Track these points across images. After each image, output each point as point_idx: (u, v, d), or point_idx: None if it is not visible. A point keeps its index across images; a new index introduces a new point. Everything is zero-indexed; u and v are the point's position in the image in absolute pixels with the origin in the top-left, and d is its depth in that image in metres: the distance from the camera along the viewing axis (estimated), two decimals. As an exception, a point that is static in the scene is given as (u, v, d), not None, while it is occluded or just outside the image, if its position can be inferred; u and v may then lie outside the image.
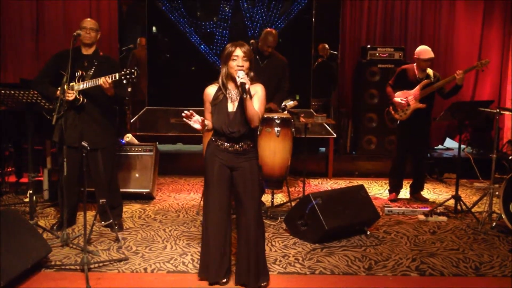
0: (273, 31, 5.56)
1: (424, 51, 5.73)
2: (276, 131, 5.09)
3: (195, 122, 3.42)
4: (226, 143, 3.53)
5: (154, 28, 8.21)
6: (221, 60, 3.55)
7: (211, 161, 3.58)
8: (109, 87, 4.31)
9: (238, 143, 3.52)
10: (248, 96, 3.35)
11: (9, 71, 7.38)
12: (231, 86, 3.52)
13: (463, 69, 5.71)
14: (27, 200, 5.01)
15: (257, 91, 3.50)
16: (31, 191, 4.51)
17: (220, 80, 3.54)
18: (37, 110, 4.51)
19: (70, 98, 4.39)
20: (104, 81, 4.27)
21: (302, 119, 5.48)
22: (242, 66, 3.42)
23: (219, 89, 3.55)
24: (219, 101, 3.52)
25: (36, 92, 4.38)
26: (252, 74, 3.51)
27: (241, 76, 3.36)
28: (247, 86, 3.32)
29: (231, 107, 3.50)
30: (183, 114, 3.42)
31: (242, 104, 3.42)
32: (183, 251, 4.31)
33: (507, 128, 7.89)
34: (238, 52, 3.43)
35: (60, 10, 7.41)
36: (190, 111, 3.42)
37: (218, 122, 3.52)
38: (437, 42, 7.73)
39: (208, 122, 3.56)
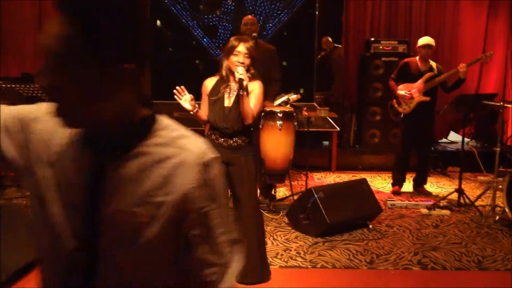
0: (246, 17, 5.55)
1: (422, 38, 5.75)
2: (278, 124, 5.07)
3: (185, 101, 3.42)
4: (220, 138, 3.50)
5: (158, 22, 8.19)
6: (223, 52, 3.53)
7: None
8: None
9: (232, 138, 3.50)
10: (245, 93, 3.33)
11: (12, 65, 7.37)
12: (231, 79, 3.50)
13: (467, 62, 5.67)
14: (29, 194, 5.01)
15: (255, 89, 3.48)
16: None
17: (222, 72, 3.52)
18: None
19: None
20: None
21: (304, 113, 5.46)
22: (243, 63, 3.40)
23: (218, 82, 3.53)
24: (217, 94, 3.50)
25: (37, 86, 4.39)
26: (252, 71, 3.49)
27: (240, 72, 3.34)
28: (244, 83, 3.31)
29: (228, 102, 3.49)
30: (174, 91, 3.42)
31: (238, 100, 3.41)
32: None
33: (512, 122, 7.85)
34: (241, 48, 3.41)
35: (63, 4, 7.40)
36: (182, 86, 3.42)
37: (213, 116, 3.50)
38: (442, 35, 7.68)
39: (201, 112, 3.55)
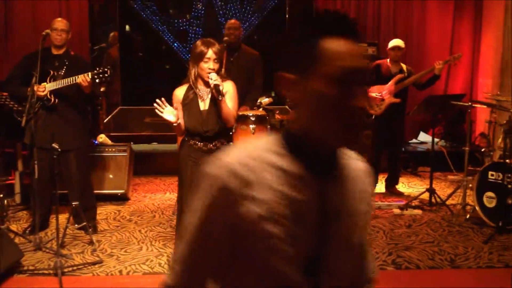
0: (230, 21, 5.53)
1: (392, 41, 5.84)
2: (251, 128, 5.06)
3: (168, 112, 3.38)
4: (199, 143, 3.49)
5: (127, 27, 8.10)
6: (191, 58, 3.50)
7: (185, 162, 3.54)
8: (88, 85, 4.25)
9: (211, 142, 3.49)
10: (224, 97, 3.32)
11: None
12: (200, 85, 3.48)
13: (434, 62, 5.76)
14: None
15: (228, 90, 3.47)
16: (1, 195, 4.42)
17: (190, 80, 3.49)
18: (7, 111, 4.42)
19: (42, 94, 4.29)
20: (83, 78, 4.20)
21: (277, 116, 5.46)
22: (214, 69, 3.39)
23: (188, 88, 3.51)
24: (190, 100, 3.48)
25: (4, 94, 4.29)
26: (222, 71, 3.49)
27: (214, 78, 3.32)
28: (221, 88, 3.29)
29: (203, 105, 3.47)
30: (155, 104, 3.38)
31: (214, 103, 3.40)
32: (159, 252, 4.26)
33: (479, 121, 7.99)
34: (210, 53, 3.38)
35: (29, 10, 7.24)
36: (162, 99, 3.39)
37: (191, 122, 3.47)
38: (410, 36, 7.77)
39: (180, 120, 3.52)
